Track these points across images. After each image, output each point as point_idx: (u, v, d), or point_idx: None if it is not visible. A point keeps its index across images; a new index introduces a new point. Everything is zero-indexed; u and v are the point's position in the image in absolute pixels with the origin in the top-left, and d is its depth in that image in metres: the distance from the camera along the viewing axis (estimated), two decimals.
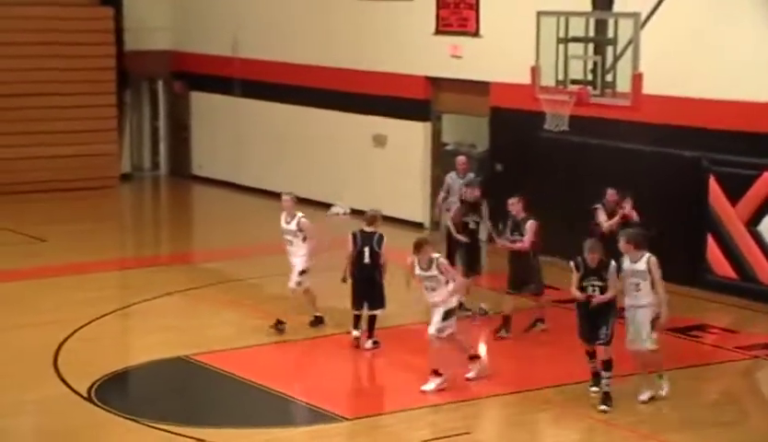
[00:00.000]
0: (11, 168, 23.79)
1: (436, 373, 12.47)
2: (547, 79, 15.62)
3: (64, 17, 24.26)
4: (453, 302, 12.62)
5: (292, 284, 14.44)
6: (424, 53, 20.78)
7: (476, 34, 19.89)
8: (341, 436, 11.61)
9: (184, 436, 11.24)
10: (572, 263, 12.05)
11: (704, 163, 16.66)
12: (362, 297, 14.07)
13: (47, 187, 23.84)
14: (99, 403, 12.09)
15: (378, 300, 14.08)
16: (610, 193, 15.10)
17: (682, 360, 14.07)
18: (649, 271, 11.87)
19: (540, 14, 15.76)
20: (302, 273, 14.42)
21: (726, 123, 16.34)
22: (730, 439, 11.48)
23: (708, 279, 16.71)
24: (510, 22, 18.81)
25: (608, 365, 11.97)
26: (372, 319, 14.10)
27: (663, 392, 12.32)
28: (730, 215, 16.47)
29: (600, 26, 15.48)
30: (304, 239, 14.40)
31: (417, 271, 12.57)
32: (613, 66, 15.21)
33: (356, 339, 14.07)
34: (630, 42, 14.84)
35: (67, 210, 22.95)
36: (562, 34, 15.45)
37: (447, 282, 12.48)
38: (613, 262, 11.91)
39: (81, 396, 12.29)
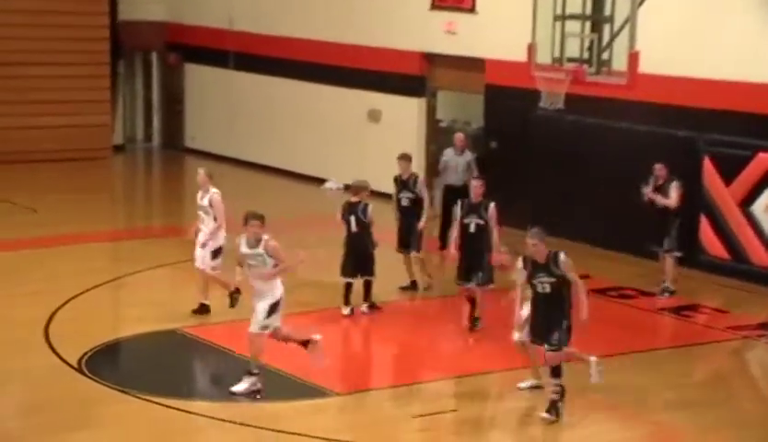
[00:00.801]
0: (3, 137, 23.67)
1: (250, 373, 11.59)
2: (543, 57, 15.52)
3: None
4: (278, 293, 11.47)
5: (205, 267, 13.83)
6: (419, 29, 20.69)
7: (472, 10, 19.80)
8: (331, 411, 11.59)
9: (174, 408, 11.22)
10: (519, 262, 11.11)
11: (699, 143, 16.63)
12: (352, 266, 14.17)
13: (39, 157, 23.71)
14: (90, 374, 12.05)
15: (368, 267, 14.16)
16: (658, 168, 15.26)
17: (674, 339, 14.11)
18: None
19: None
20: (216, 254, 13.86)
21: (721, 103, 16.31)
22: (720, 418, 11.48)
23: (701, 259, 16.71)
24: None
25: (556, 371, 11.04)
26: (367, 285, 14.24)
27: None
28: (724, 195, 16.45)
29: (597, 3, 15.38)
30: (215, 218, 13.87)
31: (243, 248, 11.55)
32: (610, 45, 15.13)
33: (348, 316, 14.16)
34: (627, 21, 14.76)
35: (60, 181, 22.84)
36: (558, 11, 15.34)
37: (275, 266, 11.41)
38: (562, 254, 10.85)
39: (72, 366, 12.25)
